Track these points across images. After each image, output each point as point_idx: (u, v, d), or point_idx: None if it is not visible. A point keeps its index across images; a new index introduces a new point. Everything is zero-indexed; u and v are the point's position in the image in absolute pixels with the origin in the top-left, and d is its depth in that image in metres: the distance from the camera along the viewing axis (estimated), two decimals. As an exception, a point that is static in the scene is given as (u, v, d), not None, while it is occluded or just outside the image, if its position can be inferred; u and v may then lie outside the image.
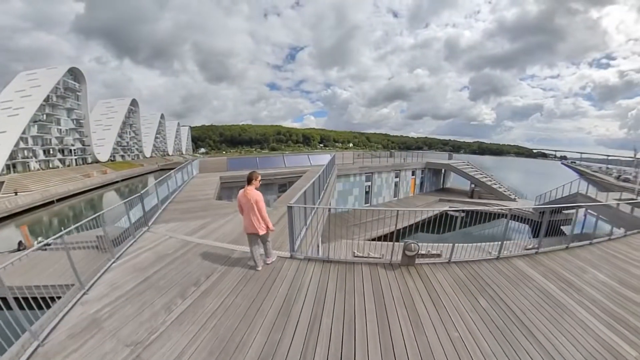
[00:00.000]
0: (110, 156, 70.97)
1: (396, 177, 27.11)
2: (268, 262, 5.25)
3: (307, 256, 5.59)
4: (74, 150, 57.91)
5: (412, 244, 5.27)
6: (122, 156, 78.78)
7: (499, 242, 6.49)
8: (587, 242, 8.11)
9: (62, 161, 53.89)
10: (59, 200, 35.55)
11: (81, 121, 60.81)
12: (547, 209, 7.46)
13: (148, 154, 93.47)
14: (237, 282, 4.72)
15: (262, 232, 4.84)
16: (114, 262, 5.41)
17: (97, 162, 62.94)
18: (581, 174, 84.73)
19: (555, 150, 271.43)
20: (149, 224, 7.79)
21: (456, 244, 6.01)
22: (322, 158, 23.56)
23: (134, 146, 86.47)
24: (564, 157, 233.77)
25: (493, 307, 4.40)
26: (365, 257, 5.72)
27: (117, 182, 51.34)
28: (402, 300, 4.40)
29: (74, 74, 58.89)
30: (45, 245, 4.49)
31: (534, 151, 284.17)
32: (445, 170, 34.55)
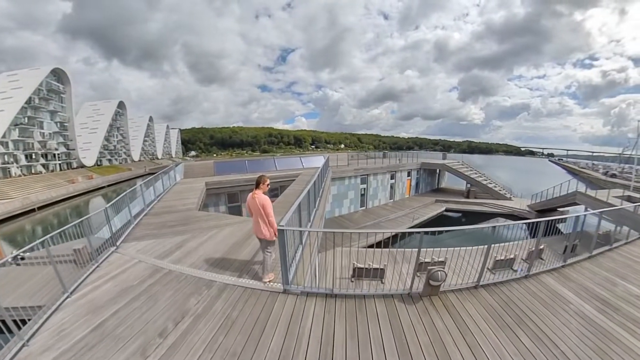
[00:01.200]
0: (97, 160, 68.62)
1: (392, 178, 26.38)
2: (265, 280, 4.79)
3: (305, 290, 4.51)
4: (58, 154, 55.52)
5: (439, 272, 4.38)
6: (109, 160, 76.41)
7: (509, 244, 5.72)
8: (607, 247, 7.76)
9: (45, 166, 51.63)
10: (40, 208, 33.83)
11: (65, 124, 58.40)
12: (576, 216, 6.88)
13: (136, 158, 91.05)
14: (215, 330, 3.67)
15: (270, 237, 4.69)
16: (68, 297, 4.37)
17: (83, 166, 60.61)
18: (569, 170, 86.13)
19: (543, 148, 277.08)
20: (118, 243, 6.73)
21: (486, 269, 5.21)
22: (315, 160, 22.63)
23: (121, 150, 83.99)
24: (551, 155, 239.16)
25: (537, 345, 3.72)
26: (380, 291, 4.63)
27: (103, 187, 49.49)
28: (432, 349, 3.51)
29: (58, 74, 56.45)
30: (15, 258, 3.56)
31: (522, 149, 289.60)
32: (439, 171, 34.13)
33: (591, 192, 18.65)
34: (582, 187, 20.33)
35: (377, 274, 10.68)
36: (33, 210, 32.70)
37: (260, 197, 4.72)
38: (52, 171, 51.93)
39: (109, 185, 51.09)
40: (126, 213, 8.05)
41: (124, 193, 8.07)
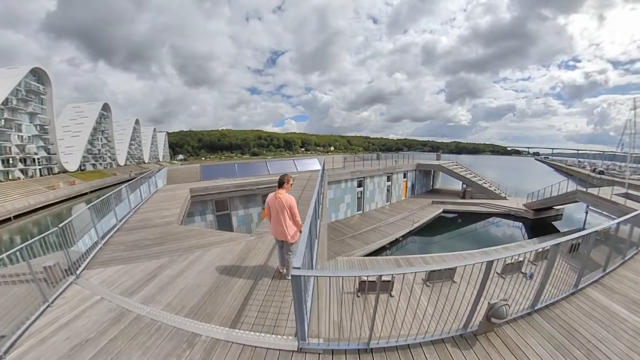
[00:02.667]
0: (80, 165, 66.12)
1: (388, 180, 25.61)
2: (288, 278, 4.83)
3: (330, 347, 3.24)
4: (38, 159, 52.98)
5: (504, 307, 3.44)
6: (94, 165, 73.81)
7: (511, 244, 4.89)
8: (635, 250, 7.13)
9: (24, 172, 49.09)
10: (17, 216, 31.89)
11: (46, 127, 55.82)
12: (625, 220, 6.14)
13: (122, 162, 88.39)
14: None
15: (291, 240, 4.63)
16: (1, 358, 3.21)
17: (65, 172, 58.16)
18: (556, 168, 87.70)
19: (528, 147, 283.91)
20: (79, 270, 5.42)
21: (544, 290, 4.41)
22: (310, 163, 21.68)
23: (106, 154, 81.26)
24: (536, 153, 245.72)
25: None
26: (430, 337, 3.53)
27: (86, 193, 47.40)
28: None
29: (38, 75, 53.77)
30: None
31: (508, 149, 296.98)
32: (434, 171, 33.77)
33: (593, 190, 18.22)
34: (572, 186, 20.72)
35: (385, 286, 9.81)
36: (9, 219, 30.80)
37: (285, 197, 4.58)
38: (32, 177, 49.47)
39: (92, 191, 48.99)
40: (93, 230, 6.85)
41: (85, 208, 6.71)
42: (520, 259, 11.36)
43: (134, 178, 12.61)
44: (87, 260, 5.93)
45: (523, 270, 12.73)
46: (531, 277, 12.45)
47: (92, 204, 6.91)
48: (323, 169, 12.58)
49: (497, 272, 12.56)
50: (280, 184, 4.67)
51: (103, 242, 7.04)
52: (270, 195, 4.70)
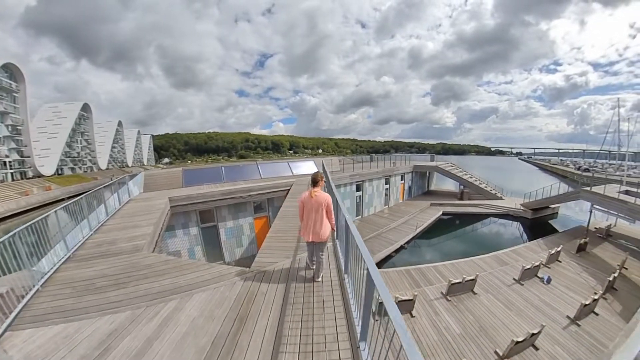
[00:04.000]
0: (57, 169, 62.66)
1: (386, 183, 24.55)
2: (317, 280, 4.68)
3: None
4: (10, 162, 49.57)
5: None
6: (72, 169, 70.21)
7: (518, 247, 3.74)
8: None
9: (-7, 176, 46.06)
10: (-18, 226, 29.30)
11: (19, 127, 52.04)
12: None
13: (104, 166, 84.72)
14: None
15: (325, 237, 4.54)
16: None
17: (40, 176, 54.79)
18: (541, 167, 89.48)
19: (511, 147, 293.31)
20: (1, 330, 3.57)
21: None
22: (306, 166, 20.38)
23: (86, 157, 77.54)
24: (519, 153, 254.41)
25: None
26: None
27: (62, 199, 44.59)
28: None
29: (10, 71, 50.19)
30: None
31: (492, 149, 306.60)
32: (429, 173, 33.26)
33: (597, 189, 17.71)
34: (567, 186, 21.19)
35: (406, 306, 8.61)
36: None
37: (322, 194, 4.53)
38: (2, 182, 46.18)
39: (69, 197, 46.18)
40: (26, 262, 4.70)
41: (21, 227, 4.68)
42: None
43: (119, 182, 10.98)
44: (15, 311, 3.93)
45: (539, 275, 11.92)
46: (548, 281, 11.66)
47: (28, 223, 4.94)
48: (325, 173, 11.28)
49: (514, 279, 11.69)
50: (315, 182, 4.60)
51: (42, 281, 4.98)
52: (304, 194, 4.59)
